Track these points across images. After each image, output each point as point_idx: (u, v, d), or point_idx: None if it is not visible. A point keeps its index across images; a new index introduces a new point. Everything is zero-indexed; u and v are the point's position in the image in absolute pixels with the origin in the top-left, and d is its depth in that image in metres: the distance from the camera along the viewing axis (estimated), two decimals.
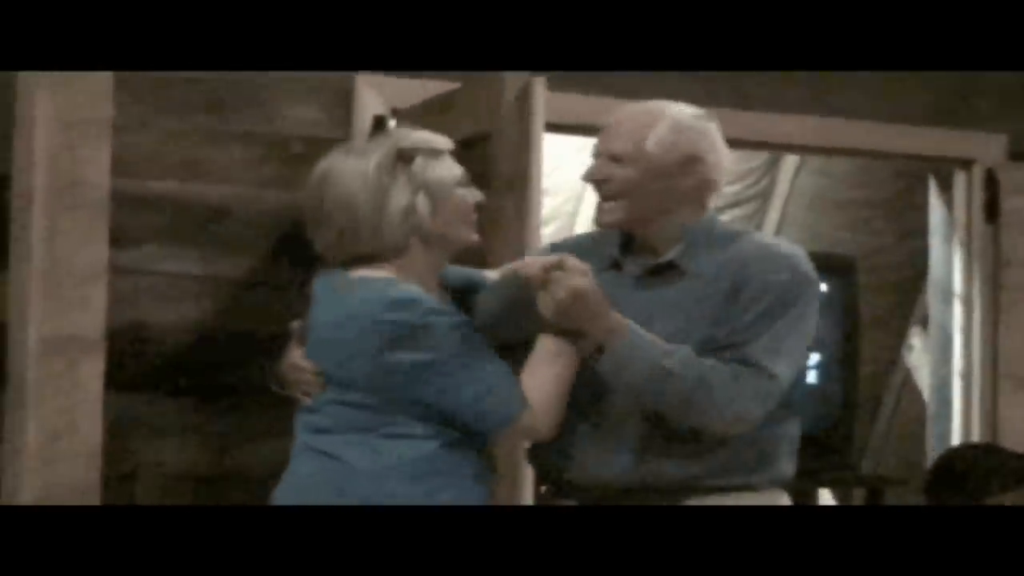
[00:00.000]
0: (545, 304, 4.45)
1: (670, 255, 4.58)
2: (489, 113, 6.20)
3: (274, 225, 6.73)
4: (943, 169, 7.84)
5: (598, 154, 4.68)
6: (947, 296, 7.58)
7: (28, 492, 5.93)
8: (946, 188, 7.84)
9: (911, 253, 8.50)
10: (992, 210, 7.59)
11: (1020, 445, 7.17)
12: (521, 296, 4.72)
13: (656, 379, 4.42)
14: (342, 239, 4.63)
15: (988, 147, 7.64)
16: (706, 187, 4.69)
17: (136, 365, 6.42)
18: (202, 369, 6.60)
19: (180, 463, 6.59)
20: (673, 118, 4.62)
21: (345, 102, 6.77)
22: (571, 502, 4.76)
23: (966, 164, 7.65)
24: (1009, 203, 7.58)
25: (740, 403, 4.46)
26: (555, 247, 5.00)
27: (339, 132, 6.58)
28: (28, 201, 5.97)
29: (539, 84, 5.96)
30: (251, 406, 6.52)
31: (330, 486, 4.59)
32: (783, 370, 4.48)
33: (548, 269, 4.44)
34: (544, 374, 4.53)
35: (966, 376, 7.46)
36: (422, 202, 4.55)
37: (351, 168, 4.65)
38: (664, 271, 4.60)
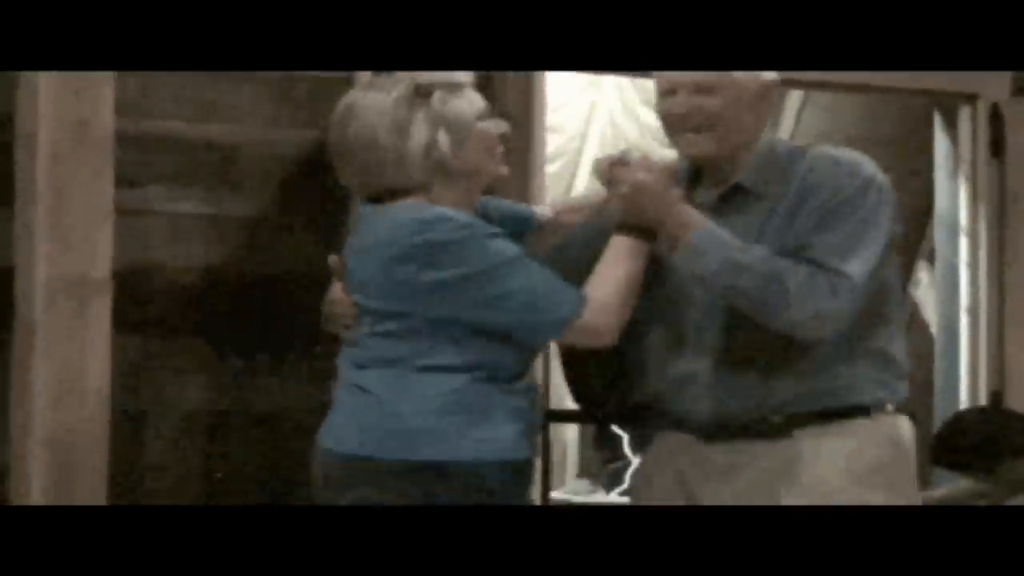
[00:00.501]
0: (614, 201, 4.57)
1: (740, 179, 4.63)
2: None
3: (282, 165, 6.59)
4: (948, 105, 7.79)
5: (672, 89, 4.63)
6: (953, 231, 7.63)
7: (38, 433, 5.97)
8: (951, 124, 7.79)
9: (917, 189, 8.57)
10: (997, 145, 7.55)
11: None
12: (579, 236, 4.88)
13: (730, 272, 4.45)
14: (367, 174, 4.66)
15: (993, 83, 7.57)
16: (773, 111, 5.05)
17: (144, 306, 6.30)
18: (210, 309, 6.44)
19: (189, 403, 6.43)
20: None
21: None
22: (672, 438, 4.77)
23: (971, 99, 7.60)
24: (1014, 138, 7.55)
25: (815, 300, 4.45)
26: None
27: (344, 72, 6.35)
28: (32, 142, 5.98)
29: None
30: (259, 345, 6.48)
31: (366, 419, 4.62)
32: (855, 268, 4.46)
33: (612, 166, 4.56)
34: (609, 274, 4.53)
35: (972, 311, 7.48)
36: (443, 137, 4.55)
37: (371, 103, 4.66)
38: (736, 196, 4.64)
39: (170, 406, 6.36)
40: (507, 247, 4.55)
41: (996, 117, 7.56)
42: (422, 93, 4.64)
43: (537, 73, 6.45)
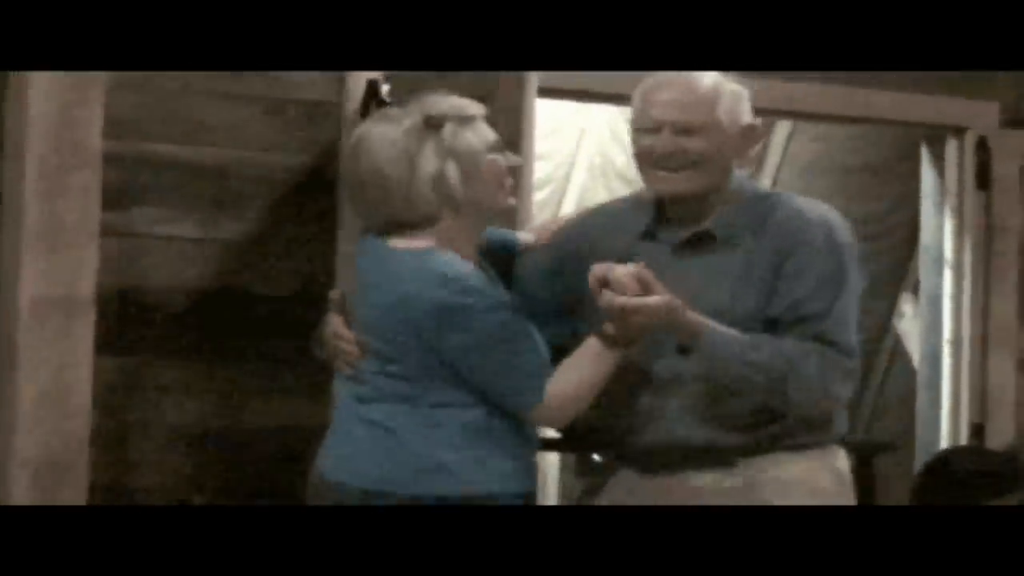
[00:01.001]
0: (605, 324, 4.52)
1: (708, 226, 4.61)
2: (484, 78, 6.02)
3: (270, 187, 6.52)
4: (936, 136, 7.82)
5: (657, 127, 4.60)
6: (938, 263, 7.65)
7: (19, 451, 5.95)
8: (938, 155, 7.81)
9: (903, 219, 8.57)
10: (983, 177, 7.55)
11: (1008, 411, 7.65)
12: (558, 266, 4.89)
13: (746, 374, 4.46)
14: (376, 207, 4.66)
15: (980, 115, 7.62)
16: (755, 153, 4.97)
17: (127, 326, 6.20)
18: (196, 331, 6.38)
19: (172, 424, 6.35)
20: (731, 88, 4.69)
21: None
22: (633, 468, 4.77)
23: (958, 131, 7.62)
24: (1000, 170, 7.58)
25: (831, 387, 4.52)
26: (590, 214, 5.17)
27: (334, 96, 6.45)
28: (20, 161, 5.95)
29: None
30: (242, 366, 6.41)
31: (383, 454, 4.62)
32: (854, 341, 4.54)
33: (599, 284, 4.43)
34: (574, 373, 4.56)
35: (955, 343, 7.50)
36: (452, 170, 4.56)
37: (381, 135, 4.66)
38: (707, 241, 4.62)
39: (151, 425, 6.29)
40: (506, 320, 4.59)
41: (983, 149, 7.56)
42: (432, 125, 4.62)
43: (527, 100, 6.24)
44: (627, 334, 4.49)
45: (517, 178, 6.02)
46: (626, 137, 7.72)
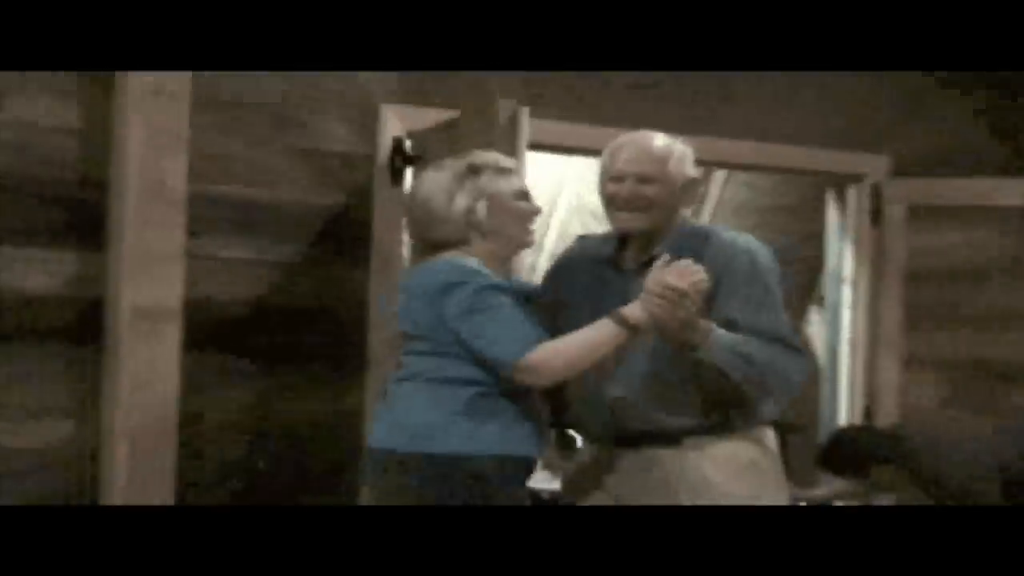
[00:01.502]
0: (645, 303, 4.54)
1: (656, 251, 4.71)
2: (483, 135, 6.01)
3: (314, 220, 6.64)
4: (839, 183, 7.89)
5: (621, 176, 4.82)
6: (839, 281, 7.73)
7: (122, 425, 6.07)
8: (841, 198, 7.89)
9: (812, 248, 8.63)
10: (876, 216, 7.65)
11: (892, 399, 7.67)
12: (552, 290, 5.08)
13: (740, 362, 4.59)
14: (422, 228, 4.88)
15: (874, 166, 7.69)
16: (695, 198, 5.15)
17: (205, 330, 6.33)
18: (255, 333, 6.54)
19: (238, 404, 6.51)
20: (679, 148, 4.89)
21: (372, 125, 6.64)
22: (608, 446, 4.92)
23: (857, 179, 7.72)
24: (889, 211, 7.66)
25: (796, 378, 4.76)
26: (569, 248, 5.31)
27: (367, 149, 6.61)
28: (122, 200, 6.07)
29: (524, 112, 5.96)
30: (292, 362, 6.58)
31: (393, 422, 4.82)
32: (782, 321, 4.77)
33: (667, 275, 4.52)
34: (578, 338, 4.62)
35: (852, 344, 7.62)
36: (481, 207, 4.76)
37: (432, 176, 4.89)
38: (652, 263, 4.66)
39: (222, 406, 6.42)
40: (495, 296, 4.72)
41: (876, 194, 7.64)
42: (472, 171, 4.86)
43: (519, 153, 6.06)
44: (670, 313, 4.50)
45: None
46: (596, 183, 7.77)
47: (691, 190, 4.95)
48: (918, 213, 7.66)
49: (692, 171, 4.92)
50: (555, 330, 4.82)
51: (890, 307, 7.66)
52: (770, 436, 4.96)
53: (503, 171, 4.91)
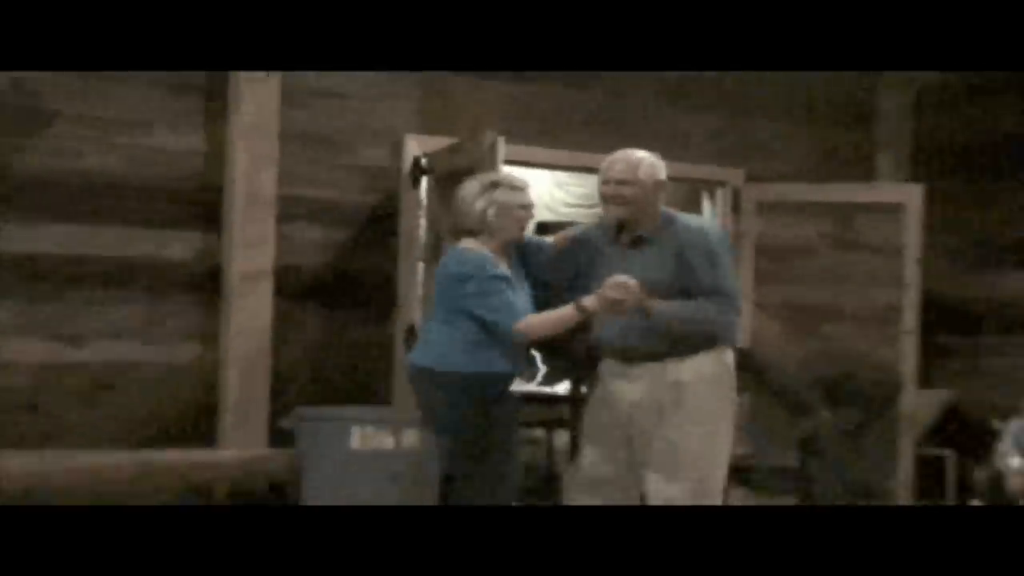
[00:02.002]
0: (597, 300, 4.81)
1: (643, 232, 4.98)
2: (473, 155, 6.46)
3: (360, 213, 7.07)
4: (711, 187, 8.08)
5: (608, 180, 5.01)
6: None
7: (231, 354, 6.62)
8: (712, 197, 8.11)
9: None
10: (736, 209, 7.93)
11: (748, 330, 7.66)
12: (567, 255, 5.24)
13: (681, 321, 4.88)
14: (454, 218, 5.21)
15: (734, 176, 7.98)
16: (663, 196, 5.05)
17: (288, 287, 6.79)
18: (322, 289, 6.97)
19: (311, 338, 6.96)
20: (649, 160, 5.02)
21: (399, 149, 7.04)
22: (613, 359, 5.09)
23: (723, 184, 7.99)
24: (744, 206, 7.93)
25: (734, 323, 4.99)
26: (583, 229, 5.41)
27: (396, 164, 7.04)
28: (232, 199, 6.64)
29: (500, 140, 6.25)
30: (346, 310, 7.02)
31: (424, 348, 5.21)
32: (736, 289, 4.99)
33: (610, 288, 4.77)
34: (549, 317, 4.99)
35: None
36: (492, 211, 5.06)
37: (468, 185, 5.16)
38: (641, 241, 4.99)
39: (300, 340, 6.89)
40: (496, 284, 5.01)
41: (736, 195, 7.91)
42: (493, 185, 5.13)
43: (496, 166, 6.26)
44: (612, 305, 4.79)
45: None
46: (566, 182, 7.81)
47: (659, 190, 5.00)
48: (763, 208, 7.98)
49: (660, 176, 5.01)
50: (569, 282, 5.09)
51: (746, 269, 7.80)
52: (728, 355, 5.02)
53: (514, 188, 5.14)
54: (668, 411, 4.94)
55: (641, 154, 5.04)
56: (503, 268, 5.06)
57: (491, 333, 4.96)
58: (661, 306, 4.85)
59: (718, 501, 4.93)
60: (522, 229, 5.19)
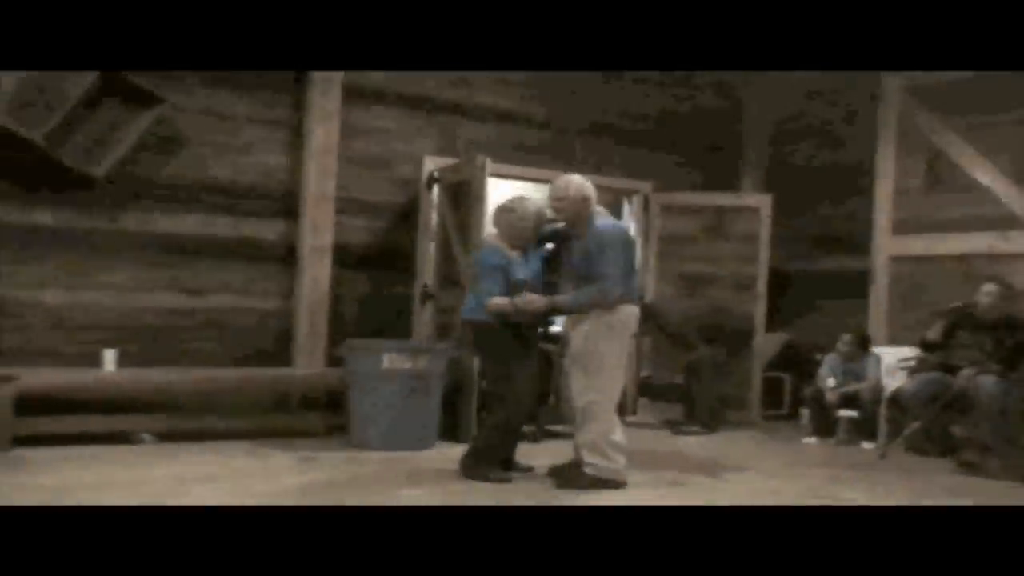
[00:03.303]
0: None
1: (578, 231, 4.83)
2: (470, 170, 6.38)
3: (393, 209, 6.92)
4: (629, 194, 7.64)
5: (551, 198, 4.88)
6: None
7: (304, 302, 6.52)
8: (630, 202, 7.65)
9: None
10: (646, 211, 7.52)
11: (651, 290, 7.51)
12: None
13: (578, 305, 4.76)
14: (494, 221, 5.13)
15: (644, 186, 7.60)
16: (589, 208, 4.78)
17: (343, 256, 6.67)
18: (367, 260, 6.82)
19: (359, 293, 6.82)
20: (577, 182, 4.82)
21: (420, 166, 6.93)
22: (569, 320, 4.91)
23: (637, 192, 7.60)
24: (652, 208, 7.59)
25: (611, 294, 4.69)
26: (554, 229, 5.03)
27: (417, 176, 6.93)
28: (305, 198, 6.56)
29: (488, 161, 6.24)
30: (388, 276, 6.86)
31: (466, 306, 5.16)
32: (609, 272, 4.67)
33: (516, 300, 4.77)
34: (495, 305, 4.87)
35: (639, 269, 6.88)
36: (515, 222, 5.00)
37: (501, 204, 5.08)
38: (578, 239, 4.83)
39: (350, 294, 6.78)
40: (486, 269, 4.95)
41: (646, 200, 7.55)
42: (509, 210, 5.03)
43: (485, 181, 6.18)
44: (522, 311, 4.84)
45: (477, 213, 6.20)
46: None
47: (585, 203, 4.80)
48: (664, 209, 7.72)
49: (585, 193, 4.81)
50: (550, 263, 4.97)
51: (651, 252, 7.66)
52: (623, 311, 4.78)
53: (522, 216, 4.99)
54: (586, 342, 4.83)
55: (572, 178, 4.87)
56: (514, 256, 4.97)
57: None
58: (559, 300, 4.85)
59: (607, 394, 4.78)
60: (532, 235, 5.03)
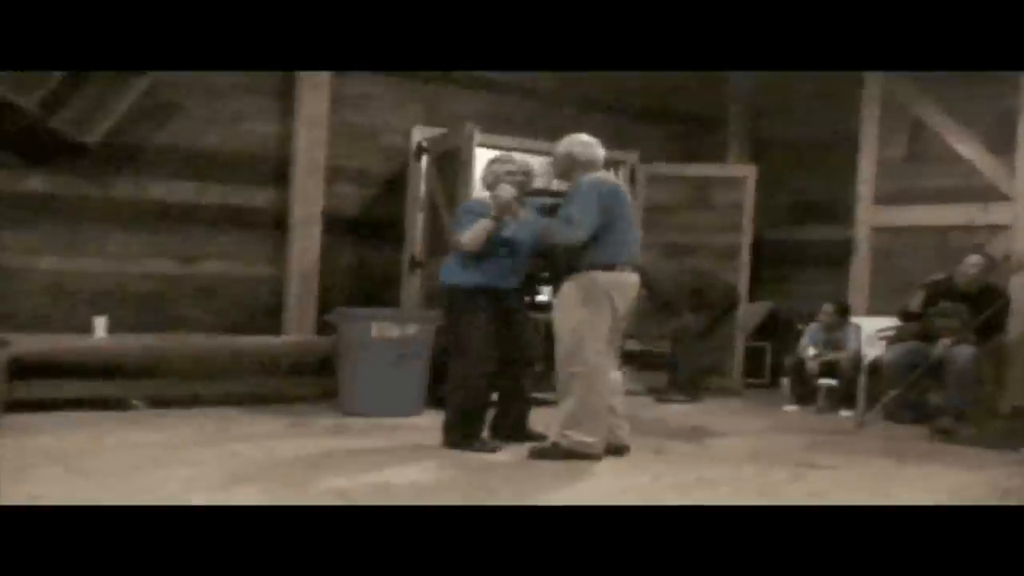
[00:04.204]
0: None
1: (568, 184, 4.76)
2: (458, 140, 6.38)
3: (383, 177, 6.93)
4: (617, 165, 7.32)
5: (551, 159, 4.94)
6: None
7: (293, 269, 6.53)
8: (617, 172, 7.23)
9: None
10: (632, 181, 7.47)
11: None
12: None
13: (542, 233, 4.72)
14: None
15: (631, 157, 7.52)
16: (583, 166, 4.70)
17: (333, 224, 6.69)
18: (356, 227, 6.84)
19: (347, 263, 6.82)
20: (565, 141, 4.78)
21: (408, 136, 6.94)
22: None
23: (624, 163, 7.46)
24: (639, 178, 7.50)
25: (570, 238, 4.57)
26: (552, 203, 5.01)
27: (406, 146, 6.92)
28: (296, 166, 6.56)
29: (476, 130, 6.26)
30: (371, 241, 6.86)
31: (444, 270, 4.99)
32: (575, 215, 4.54)
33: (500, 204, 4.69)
34: (472, 233, 4.77)
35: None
36: (498, 168, 4.94)
37: (489, 164, 4.99)
38: (569, 190, 4.73)
39: (340, 263, 6.78)
40: (462, 213, 4.91)
41: (633, 170, 7.46)
42: (491, 162, 5.00)
43: (473, 150, 6.15)
44: (501, 207, 4.71)
45: (465, 178, 6.17)
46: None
47: (571, 159, 4.74)
48: (651, 179, 7.72)
49: (571, 150, 4.76)
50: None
51: (637, 220, 6.64)
52: (597, 277, 4.65)
53: (522, 158, 5.08)
54: (561, 311, 4.76)
55: (565, 139, 4.84)
56: (507, 219, 4.83)
57: (475, 255, 4.82)
58: (525, 216, 4.80)
59: (588, 366, 4.66)
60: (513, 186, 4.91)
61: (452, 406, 4.95)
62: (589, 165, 4.78)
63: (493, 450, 4.88)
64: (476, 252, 4.81)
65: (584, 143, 4.80)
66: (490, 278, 4.90)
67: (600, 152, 4.83)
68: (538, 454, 4.78)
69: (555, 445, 4.77)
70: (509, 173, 4.93)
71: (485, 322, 4.88)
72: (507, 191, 4.78)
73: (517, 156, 5.08)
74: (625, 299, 4.76)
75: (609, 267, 4.67)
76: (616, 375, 4.92)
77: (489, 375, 4.91)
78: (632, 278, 4.77)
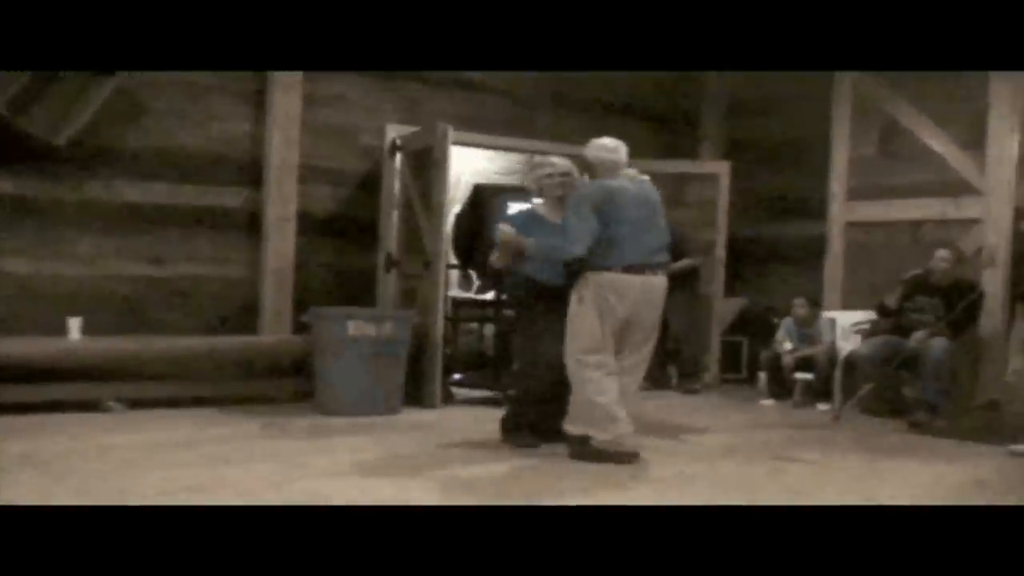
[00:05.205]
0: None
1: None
2: (433, 138, 6.27)
3: (357, 176, 6.81)
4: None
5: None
6: None
7: (268, 269, 6.45)
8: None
9: None
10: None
11: None
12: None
13: (546, 252, 4.68)
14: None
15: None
16: (605, 171, 4.68)
17: (308, 224, 6.63)
18: (329, 227, 6.75)
19: (324, 261, 6.76)
20: (590, 149, 4.75)
21: (382, 134, 6.83)
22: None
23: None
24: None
25: (567, 251, 4.57)
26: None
27: (380, 143, 6.82)
28: (270, 166, 6.47)
29: (449, 129, 6.19)
30: (345, 241, 6.79)
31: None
32: (570, 224, 4.56)
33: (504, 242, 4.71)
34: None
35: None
36: (534, 183, 4.98)
37: (529, 170, 5.08)
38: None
39: (315, 262, 6.70)
40: (528, 223, 4.85)
41: None
42: (534, 167, 5.03)
43: (446, 149, 6.10)
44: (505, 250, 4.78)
45: (439, 178, 6.08)
46: (488, 162, 7.51)
47: (593, 167, 4.73)
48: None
49: (595, 158, 4.72)
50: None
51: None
52: (589, 280, 4.61)
53: (561, 160, 4.98)
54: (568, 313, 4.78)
55: (589, 144, 4.81)
56: (550, 216, 4.83)
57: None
58: (529, 243, 4.76)
59: (586, 364, 4.63)
60: (555, 191, 4.88)
61: (512, 413, 5.02)
62: (611, 169, 4.71)
63: (534, 446, 4.91)
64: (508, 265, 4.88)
65: (604, 147, 4.74)
66: (544, 272, 4.90)
67: (621, 156, 4.76)
68: (575, 454, 4.73)
69: (583, 443, 4.70)
70: (548, 176, 4.88)
71: (554, 322, 4.85)
72: (505, 231, 4.75)
73: (555, 159, 4.98)
74: (626, 301, 4.63)
75: (602, 270, 4.59)
76: (625, 382, 4.77)
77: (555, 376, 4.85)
78: (635, 280, 4.63)
